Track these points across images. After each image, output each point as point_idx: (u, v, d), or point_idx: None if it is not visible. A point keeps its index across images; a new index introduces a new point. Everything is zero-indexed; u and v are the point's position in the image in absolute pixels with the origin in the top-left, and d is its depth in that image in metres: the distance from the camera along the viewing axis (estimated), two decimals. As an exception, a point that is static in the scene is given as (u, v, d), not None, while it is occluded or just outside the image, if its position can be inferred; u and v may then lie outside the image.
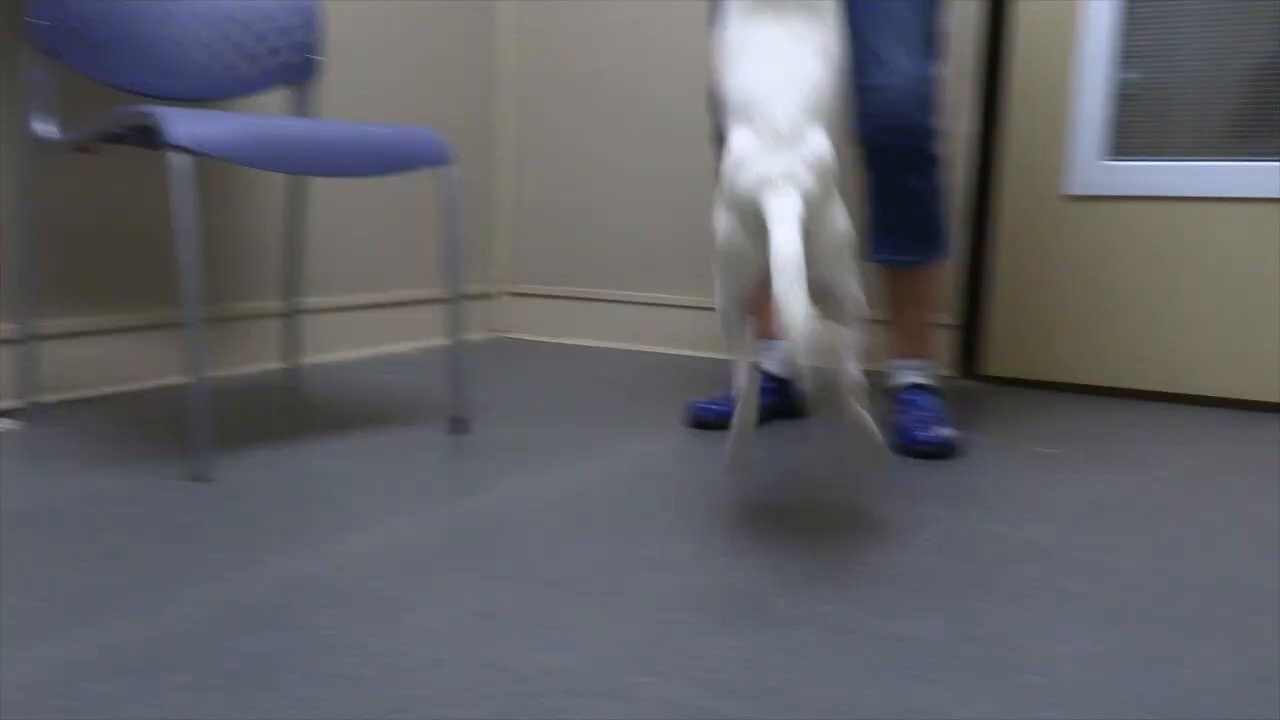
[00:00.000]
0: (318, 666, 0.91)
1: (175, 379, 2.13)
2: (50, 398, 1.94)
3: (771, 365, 1.97)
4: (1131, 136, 2.25)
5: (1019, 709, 0.86)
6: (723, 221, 1.19)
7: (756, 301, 1.82)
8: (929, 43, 1.70)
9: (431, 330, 2.75)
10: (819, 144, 1.17)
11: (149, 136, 1.66)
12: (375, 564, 1.16)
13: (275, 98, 2.16)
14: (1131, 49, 2.24)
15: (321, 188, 2.41)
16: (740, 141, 1.18)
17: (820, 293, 1.13)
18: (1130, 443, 1.87)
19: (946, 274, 1.81)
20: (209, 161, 1.50)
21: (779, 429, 1.89)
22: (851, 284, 1.21)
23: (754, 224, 1.14)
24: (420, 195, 2.68)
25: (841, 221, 1.18)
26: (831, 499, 1.47)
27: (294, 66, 2.04)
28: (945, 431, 1.72)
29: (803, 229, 1.10)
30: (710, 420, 1.89)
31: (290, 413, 1.98)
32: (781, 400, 1.96)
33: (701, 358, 2.68)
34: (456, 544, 1.24)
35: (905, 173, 1.73)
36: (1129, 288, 2.27)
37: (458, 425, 1.80)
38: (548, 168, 2.93)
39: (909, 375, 1.85)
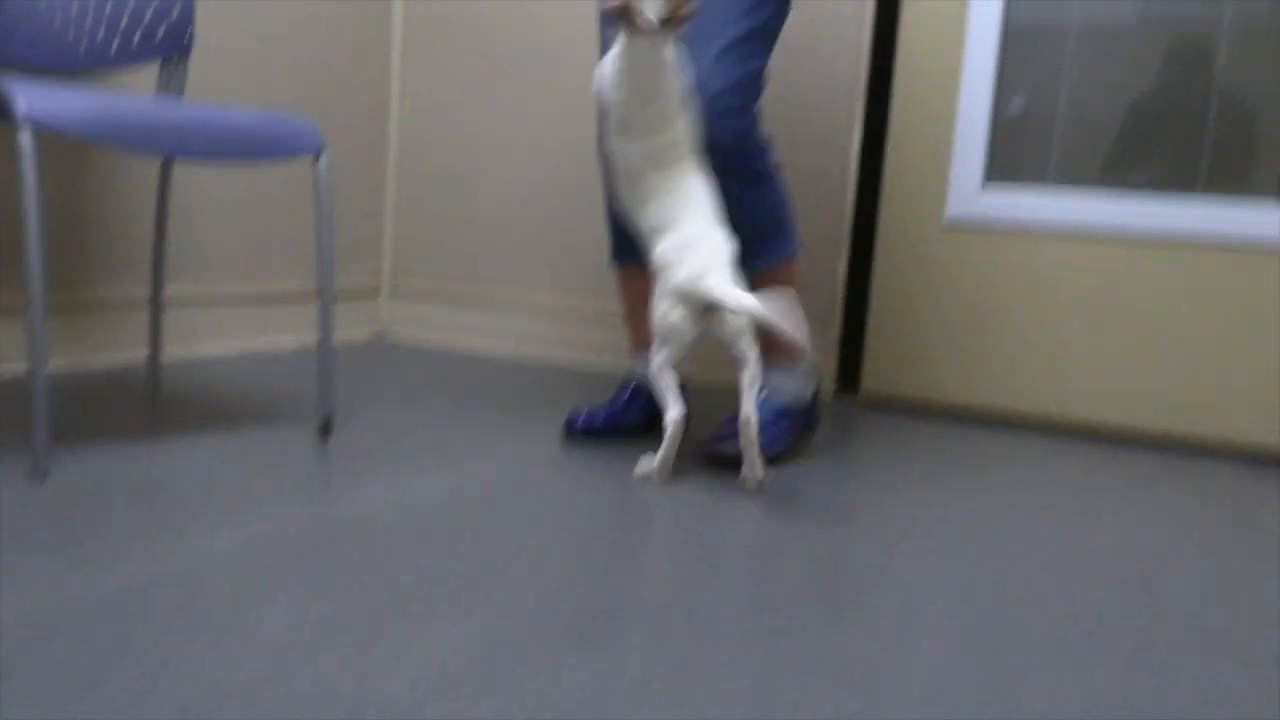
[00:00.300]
0: (134, 687, 0.85)
1: (22, 367, 2.01)
2: (-118, 381, 1.81)
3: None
4: (1011, 165, 2.31)
5: (862, 740, 0.86)
6: (668, 308, 1.57)
7: (637, 310, 1.91)
8: (742, 46, 1.69)
9: (311, 327, 2.66)
10: (724, 239, 1.60)
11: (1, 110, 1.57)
12: (218, 571, 1.11)
13: (146, 75, 2.06)
14: (1013, 78, 2.29)
15: (197, 171, 2.31)
16: (667, 249, 1.59)
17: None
18: (994, 467, 1.91)
19: (789, 275, 1.82)
20: (56, 134, 1.42)
21: (653, 442, 1.88)
22: (750, 345, 1.58)
23: (696, 306, 1.55)
24: (303, 181, 2.59)
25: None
26: (697, 518, 1.46)
27: (163, 42, 1.94)
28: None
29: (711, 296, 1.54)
30: (591, 428, 1.87)
31: (147, 408, 1.88)
32: (654, 411, 1.94)
33: (582, 360, 2.65)
34: (307, 552, 1.19)
35: (725, 178, 1.73)
36: (1004, 314, 2.33)
37: (324, 427, 1.74)
38: (437, 159, 2.87)
39: (771, 379, 1.83)
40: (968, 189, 2.32)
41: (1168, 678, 1.03)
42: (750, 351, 1.57)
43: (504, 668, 0.94)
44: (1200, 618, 1.20)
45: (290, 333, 2.63)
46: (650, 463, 1.62)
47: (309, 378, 2.18)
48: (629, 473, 1.65)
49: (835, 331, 2.46)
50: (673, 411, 1.58)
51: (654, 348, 1.60)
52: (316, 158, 1.70)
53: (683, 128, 1.62)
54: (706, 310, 1.56)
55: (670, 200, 1.62)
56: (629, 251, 1.90)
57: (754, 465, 1.59)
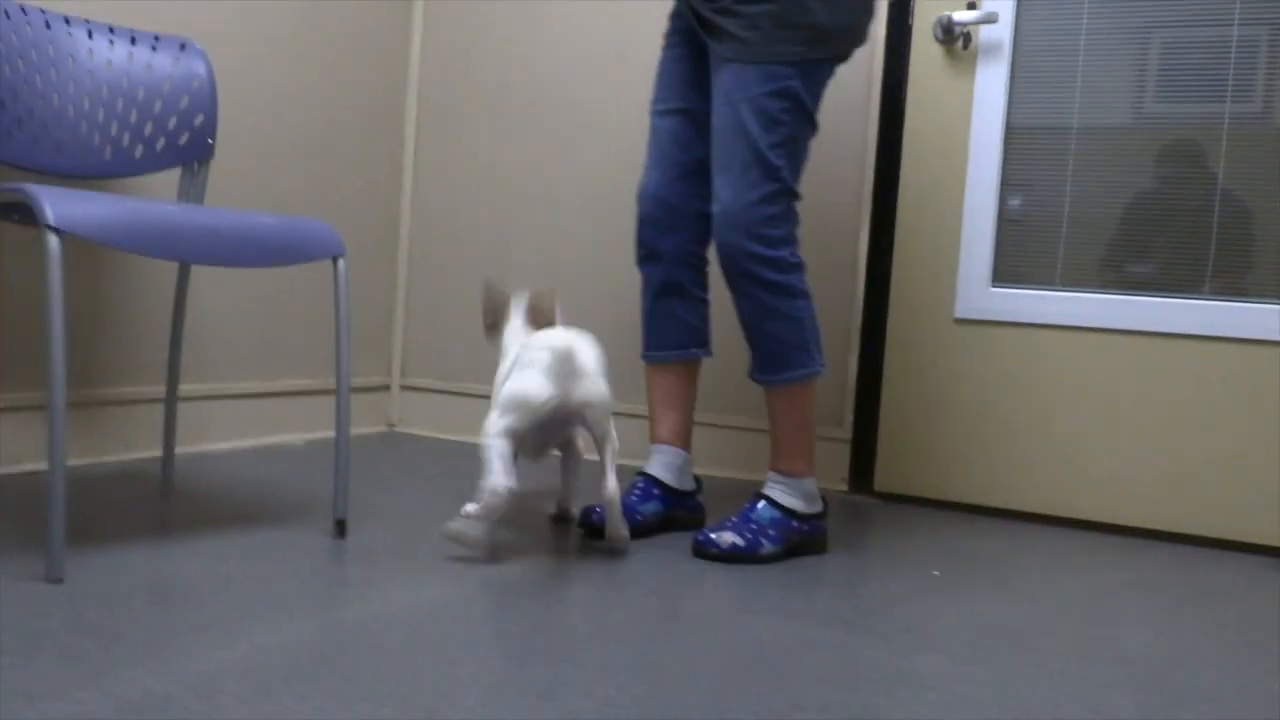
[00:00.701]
0: (157, 804, 0.83)
1: (37, 465, 2.01)
2: (-105, 482, 1.81)
3: (658, 470, 1.95)
4: (1018, 263, 2.33)
5: None
6: (523, 378, 1.65)
7: (657, 405, 1.99)
8: (759, 167, 1.72)
9: (321, 421, 2.66)
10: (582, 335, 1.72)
11: (23, 214, 1.59)
12: (233, 683, 1.09)
13: (165, 178, 2.10)
14: (1018, 179, 2.34)
15: (206, 270, 2.34)
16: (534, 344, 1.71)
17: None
18: (1013, 567, 1.89)
19: (802, 395, 1.82)
20: (80, 239, 1.44)
21: (667, 540, 1.86)
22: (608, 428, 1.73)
23: (557, 369, 1.63)
24: (312, 281, 2.62)
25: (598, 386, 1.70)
26: (715, 618, 1.44)
27: (185, 148, 1.99)
28: (732, 538, 1.75)
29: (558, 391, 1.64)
30: (635, 523, 1.85)
31: (160, 506, 1.88)
32: (668, 509, 1.93)
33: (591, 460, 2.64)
34: (325, 658, 1.17)
35: (736, 295, 1.78)
36: (1015, 411, 2.33)
37: (339, 527, 1.73)
38: (446, 259, 2.90)
39: (767, 485, 1.84)
40: (976, 288, 2.35)
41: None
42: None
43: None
44: (1234, 726, 1.18)
45: (300, 428, 2.63)
46: (462, 523, 1.65)
47: (320, 473, 2.18)
48: (644, 575, 1.64)
49: (847, 429, 2.46)
50: (493, 489, 1.61)
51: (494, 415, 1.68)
52: (336, 260, 1.73)
53: None
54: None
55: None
56: (654, 347, 1.96)
57: (615, 528, 1.73)
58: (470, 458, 2.60)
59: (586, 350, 1.70)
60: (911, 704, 1.17)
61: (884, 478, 2.44)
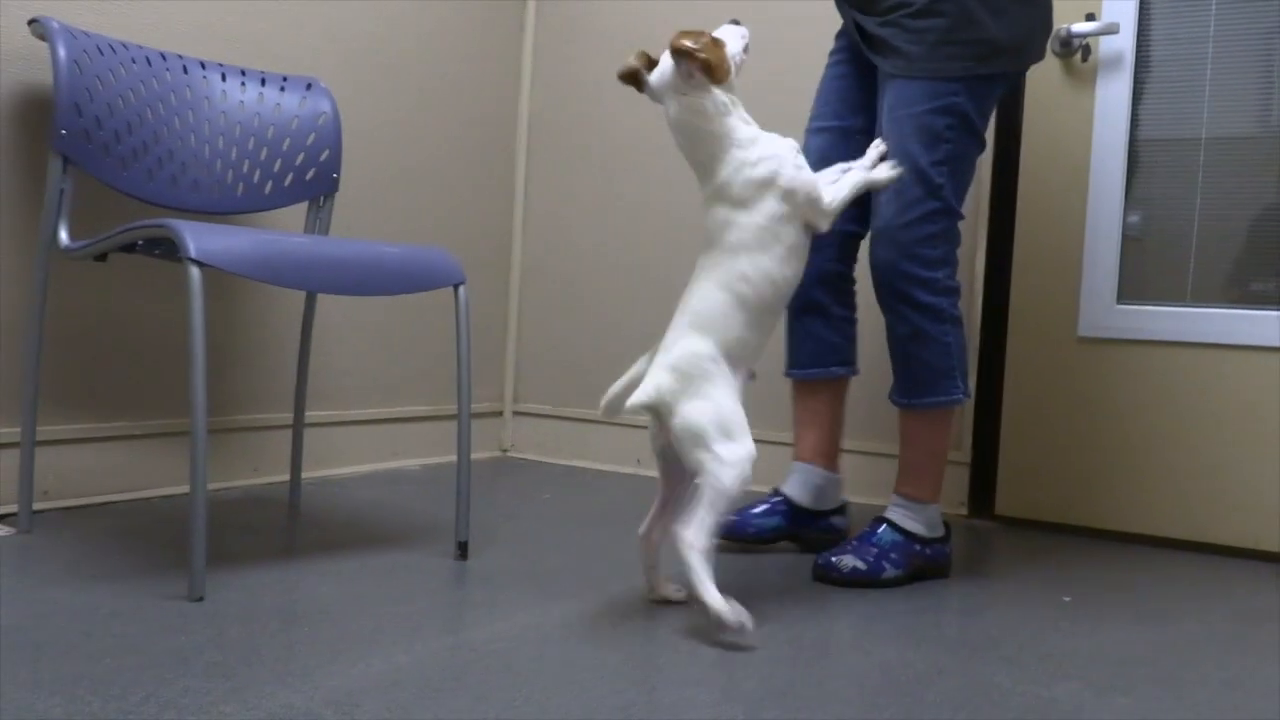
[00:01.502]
0: (306, 816, 0.85)
1: (174, 489, 2.09)
2: (48, 504, 1.91)
3: (791, 488, 1.93)
4: (1143, 280, 2.26)
5: None
6: None
7: (797, 423, 1.95)
8: (921, 185, 1.68)
9: (437, 446, 2.72)
10: (684, 348, 1.48)
11: (165, 248, 1.67)
12: (370, 701, 1.11)
13: (292, 211, 2.18)
14: (1143, 194, 2.27)
15: (330, 301, 2.41)
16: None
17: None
18: (1146, 593, 1.82)
19: (939, 421, 1.78)
20: (217, 272, 1.50)
21: (789, 562, 1.84)
22: (699, 459, 1.41)
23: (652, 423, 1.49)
24: (430, 309, 2.68)
25: (697, 410, 1.42)
26: (839, 643, 1.42)
27: (312, 183, 2.06)
28: (853, 562, 1.71)
29: (658, 412, 1.45)
30: (747, 534, 1.85)
31: (289, 530, 1.94)
32: (794, 527, 1.92)
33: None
34: (455, 681, 1.19)
35: (887, 314, 1.75)
36: (1140, 431, 2.25)
37: (461, 549, 1.76)
38: (556, 286, 2.94)
39: (889, 509, 1.80)
40: (1100, 306, 2.28)
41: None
42: (699, 463, 1.39)
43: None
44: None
45: (418, 453, 2.69)
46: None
47: (439, 497, 2.22)
48: (765, 598, 1.62)
49: (966, 452, 2.41)
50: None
51: None
52: (457, 289, 1.77)
53: (726, 210, 1.55)
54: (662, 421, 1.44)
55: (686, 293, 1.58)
56: (795, 364, 1.94)
57: (697, 590, 1.37)
58: (580, 479, 2.63)
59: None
60: (1051, 733, 1.13)
61: (1005, 501, 2.38)
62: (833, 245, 1.86)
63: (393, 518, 2.05)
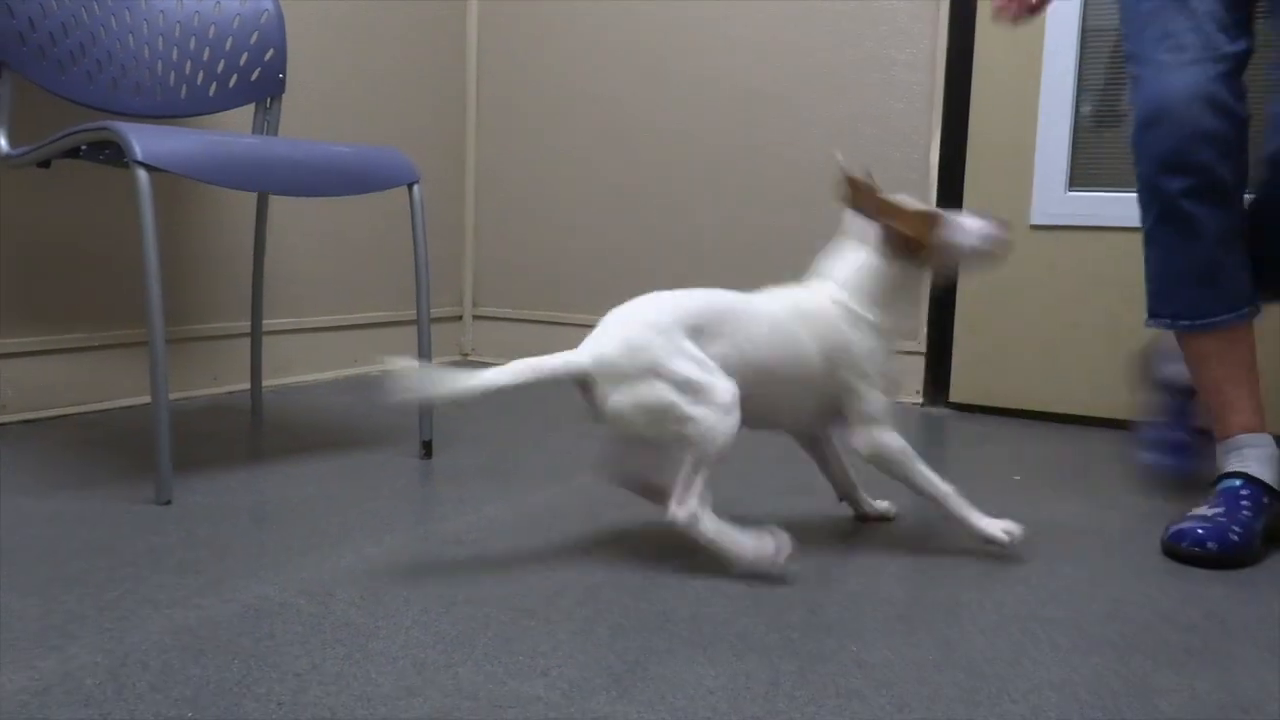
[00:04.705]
0: (287, 695, 0.88)
1: (135, 400, 2.08)
2: (8, 418, 1.90)
3: (1256, 467, 1.44)
4: (1097, 168, 2.28)
5: (999, 737, 0.86)
6: None
7: (1224, 385, 1.48)
8: None
9: (398, 352, 2.71)
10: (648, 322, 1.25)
11: (110, 152, 1.64)
12: (343, 589, 1.14)
13: (237, 114, 2.13)
14: (1095, 83, 2.28)
15: (283, 207, 2.38)
16: None
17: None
18: (1091, 469, 1.88)
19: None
20: (166, 179, 1.48)
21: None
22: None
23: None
24: (386, 214, 2.66)
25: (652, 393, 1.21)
26: (808, 525, 1.46)
27: (257, 84, 2.02)
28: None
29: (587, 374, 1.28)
30: (1198, 551, 1.34)
31: (253, 435, 1.94)
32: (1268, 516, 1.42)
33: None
34: (426, 569, 1.22)
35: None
36: (1091, 316, 2.30)
37: (426, 448, 1.78)
38: (512, 188, 2.92)
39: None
40: (1052, 194, 2.30)
41: (1304, 673, 1.01)
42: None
43: (642, 670, 0.95)
44: (1329, 613, 1.17)
45: (378, 359, 2.69)
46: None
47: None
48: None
49: (922, 342, 2.45)
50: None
51: None
52: (411, 188, 1.75)
53: None
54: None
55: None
56: (1227, 306, 1.47)
57: (733, 556, 1.21)
58: (539, 384, 2.64)
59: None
60: (1001, 596, 1.19)
61: (959, 389, 2.43)
62: (1244, 143, 1.43)
63: (357, 422, 2.07)
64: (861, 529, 1.46)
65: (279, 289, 2.40)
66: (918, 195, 2.42)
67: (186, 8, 1.95)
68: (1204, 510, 1.40)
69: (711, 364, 1.22)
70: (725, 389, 1.20)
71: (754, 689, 0.93)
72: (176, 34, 1.93)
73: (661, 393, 1.20)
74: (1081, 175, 2.30)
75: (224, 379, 2.29)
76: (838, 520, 1.49)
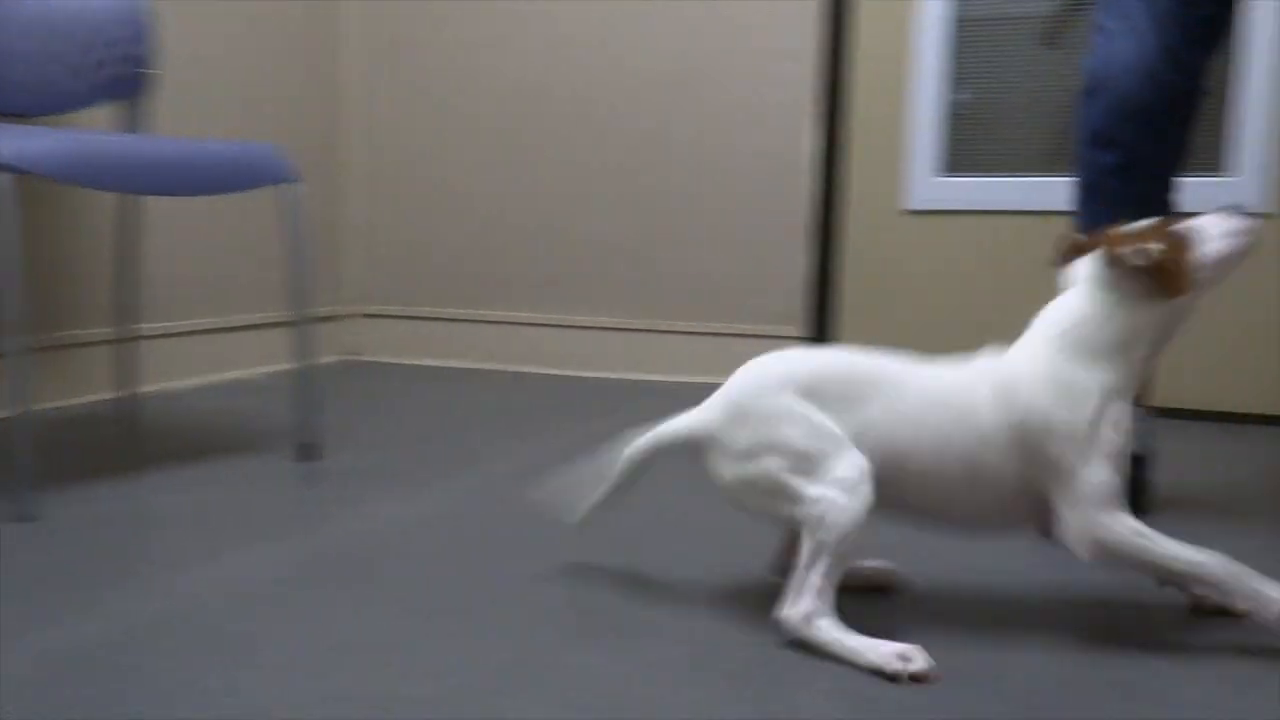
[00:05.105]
0: (159, 714, 0.86)
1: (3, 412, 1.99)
2: None
3: None
4: (964, 154, 2.36)
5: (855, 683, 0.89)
6: None
7: None
8: None
9: (278, 354, 2.66)
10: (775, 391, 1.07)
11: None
12: (221, 600, 1.11)
13: (105, 113, 2.05)
14: (962, 72, 2.35)
15: (156, 207, 2.30)
16: None
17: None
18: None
19: None
20: (33, 180, 1.42)
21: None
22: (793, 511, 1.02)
23: None
24: (263, 214, 2.59)
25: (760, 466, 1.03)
26: (696, 507, 1.48)
27: (123, 80, 1.94)
28: None
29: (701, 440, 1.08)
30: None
31: (124, 445, 1.88)
32: None
33: (558, 375, 2.67)
34: (309, 575, 1.20)
35: None
36: (961, 296, 2.38)
37: (307, 451, 1.74)
38: (400, 187, 2.88)
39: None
40: (924, 180, 2.37)
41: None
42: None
43: (532, 664, 0.95)
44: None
45: (260, 362, 2.62)
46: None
47: (283, 404, 2.18)
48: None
49: (802, 326, 2.50)
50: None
51: None
52: (288, 185, 1.71)
53: None
54: None
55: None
56: None
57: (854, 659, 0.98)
58: (438, 377, 2.62)
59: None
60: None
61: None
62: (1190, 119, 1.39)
63: (235, 427, 2.01)
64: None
65: (155, 292, 2.32)
66: (795, 181, 2.49)
67: (53, 3, 1.86)
68: None
69: (837, 433, 1.03)
70: (850, 463, 1.01)
71: (639, 675, 0.94)
72: (40, 28, 1.85)
73: (768, 466, 1.02)
74: (954, 161, 2.37)
75: (98, 387, 2.20)
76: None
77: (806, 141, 2.46)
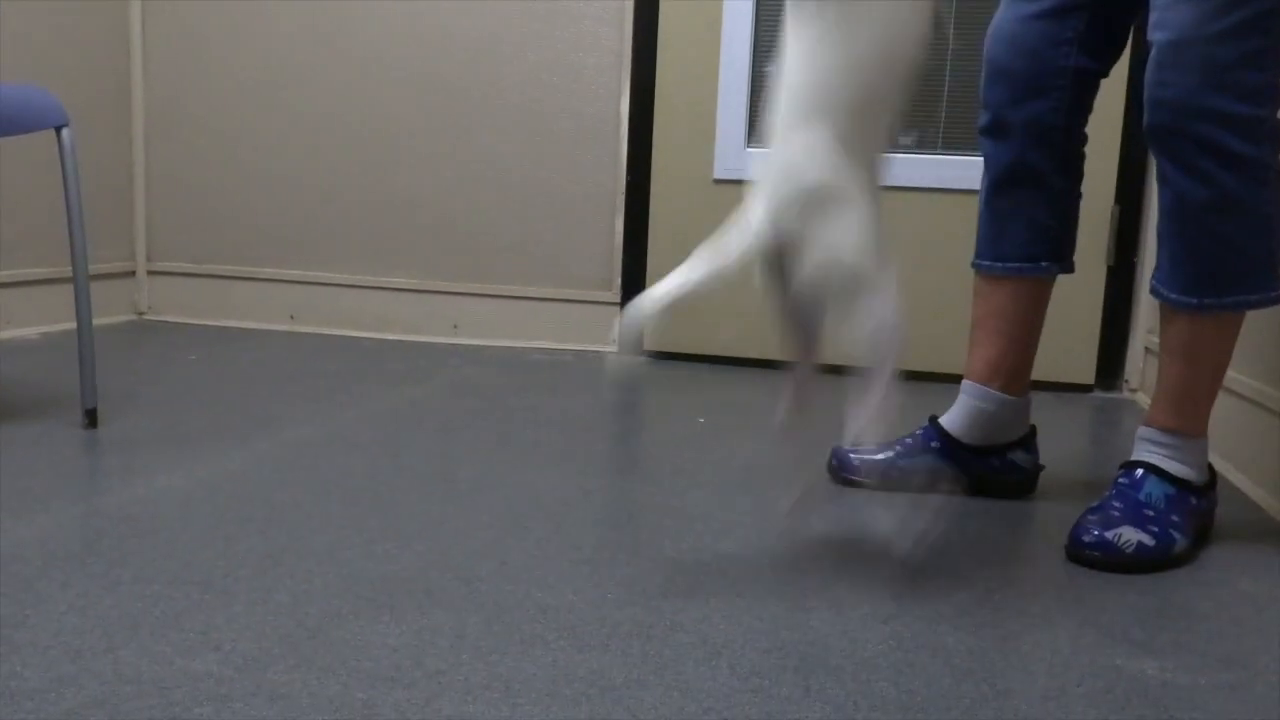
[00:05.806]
0: (-90, 699, 0.79)
1: None
2: None
3: (950, 418, 1.50)
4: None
5: (691, 680, 0.91)
6: None
7: (976, 329, 1.48)
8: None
9: (62, 312, 2.48)
10: (799, 146, 1.10)
11: None
12: (-14, 577, 1.04)
13: None
14: (774, 43, 2.41)
15: (-86, 151, 2.10)
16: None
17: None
18: (770, 411, 2.02)
19: (1233, 329, 1.28)
20: None
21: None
22: (871, 306, 1.02)
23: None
24: (43, 161, 2.40)
25: (843, 235, 1.03)
26: (504, 476, 1.48)
27: None
28: (1136, 535, 1.22)
29: (774, 244, 1.01)
30: (891, 478, 1.47)
31: (-121, 410, 1.72)
32: (954, 466, 1.49)
33: (370, 339, 2.59)
34: (87, 548, 1.13)
35: (1178, 175, 1.23)
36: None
37: (89, 417, 1.64)
38: (190, 132, 2.72)
39: (1144, 449, 1.31)
40: (732, 150, 2.42)
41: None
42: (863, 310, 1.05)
43: (324, 635, 0.93)
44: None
45: (36, 321, 2.44)
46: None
47: (66, 366, 2.04)
48: (434, 449, 1.64)
49: (616, 292, 2.52)
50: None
51: None
52: (60, 131, 1.59)
53: None
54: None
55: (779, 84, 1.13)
56: (989, 254, 1.47)
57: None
58: (227, 339, 2.50)
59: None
60: (678, 536, 1.25)
61: (653, 337, 2.53)
62: (1060, 88, 1.38)
63: (7, 391, 1.87)
64: (557, 482, 1.49)
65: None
66: (611, 148, 2.49)
67: None
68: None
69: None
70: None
71: (439, 643, 0.93)
72: None
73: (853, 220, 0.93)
74: (761, 132, 2.43)
75: None
76: (538, 468, 1.51)
77: (623, 106, 2.47)
